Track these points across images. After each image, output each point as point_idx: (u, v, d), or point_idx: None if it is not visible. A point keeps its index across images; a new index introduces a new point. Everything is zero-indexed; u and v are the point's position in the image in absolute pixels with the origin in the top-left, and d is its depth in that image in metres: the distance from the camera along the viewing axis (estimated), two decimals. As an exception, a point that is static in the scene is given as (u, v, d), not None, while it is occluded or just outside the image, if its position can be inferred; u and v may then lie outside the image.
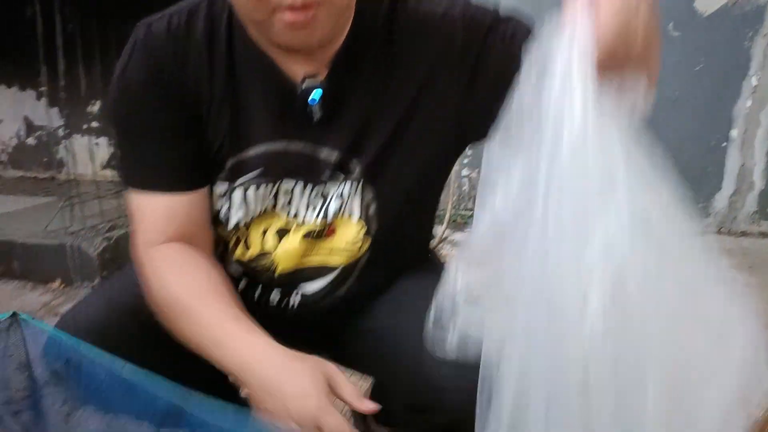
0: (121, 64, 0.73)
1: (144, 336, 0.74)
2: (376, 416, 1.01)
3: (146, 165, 0.75)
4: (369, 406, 0.65)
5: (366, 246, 0.79)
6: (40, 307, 1.94)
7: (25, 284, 2.12)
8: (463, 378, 0.71)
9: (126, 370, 0.67)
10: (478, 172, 2.91)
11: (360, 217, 0.78)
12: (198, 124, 0.74)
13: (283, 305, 0.82)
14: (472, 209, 2.71)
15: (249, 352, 0.67)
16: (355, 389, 0.66)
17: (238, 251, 0.81)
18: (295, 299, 0.82)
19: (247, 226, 0.79)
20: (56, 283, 2.08)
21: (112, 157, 3.19)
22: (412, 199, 0.80)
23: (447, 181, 0.89)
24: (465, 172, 2.69)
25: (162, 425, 0.69)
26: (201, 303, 0.71)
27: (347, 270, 0.81)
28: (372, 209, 0.78)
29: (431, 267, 0.90)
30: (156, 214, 0.75)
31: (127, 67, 0.72)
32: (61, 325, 0.78)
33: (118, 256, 2.08)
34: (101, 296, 0.82)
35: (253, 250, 0.80)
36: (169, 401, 0.66)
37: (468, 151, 2.63)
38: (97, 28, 2.36)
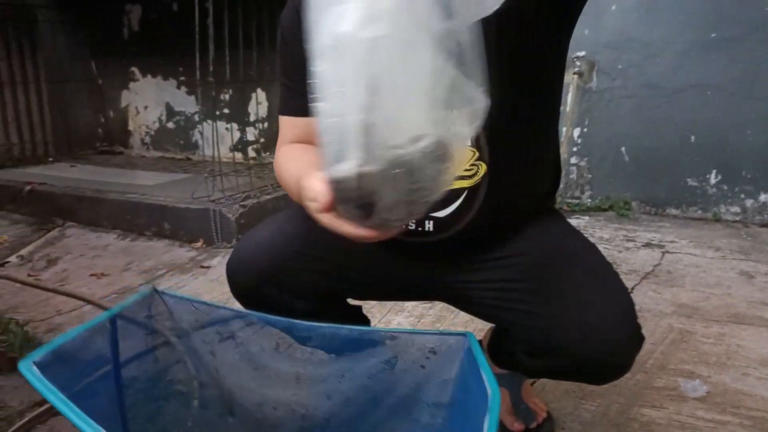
0: (281, 18, 0.96)
1: (303, 252, 0.95)
2: (495, 359, 1.12)
3: (286, 95, 0.98)
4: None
5: (483, 170, 0.90)
6: (188, 261, 2.24)
7: (174, 242, 2.44)
8: (588, 324, 0.82)
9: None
10: (587, 161, 2.93)
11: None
12: None
13: (419, 231, 0.94)
14: (579, 197, 2.76)
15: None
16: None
17: None
18: (429, 224, 0.94)
19: None
20: (199, 243, 2.38)
21: (239, 141, 3.53)
22: (519, 115, 0.89)
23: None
24: (573, 160, 2.74)
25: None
26: (290, 163, 0.93)
27: (471, 195, 0.91)
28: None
29: (554, 218, 1.01)
30: (287, 131, 0.99)
31: (282, 18, 0.95)
32: (240, 246, 0.98)
33: (251, 220, 2.35)
34: (271, 224, 1.01)
35: None
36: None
37: (578, 140, 2.69)
38: (243, 23, 2.66)
